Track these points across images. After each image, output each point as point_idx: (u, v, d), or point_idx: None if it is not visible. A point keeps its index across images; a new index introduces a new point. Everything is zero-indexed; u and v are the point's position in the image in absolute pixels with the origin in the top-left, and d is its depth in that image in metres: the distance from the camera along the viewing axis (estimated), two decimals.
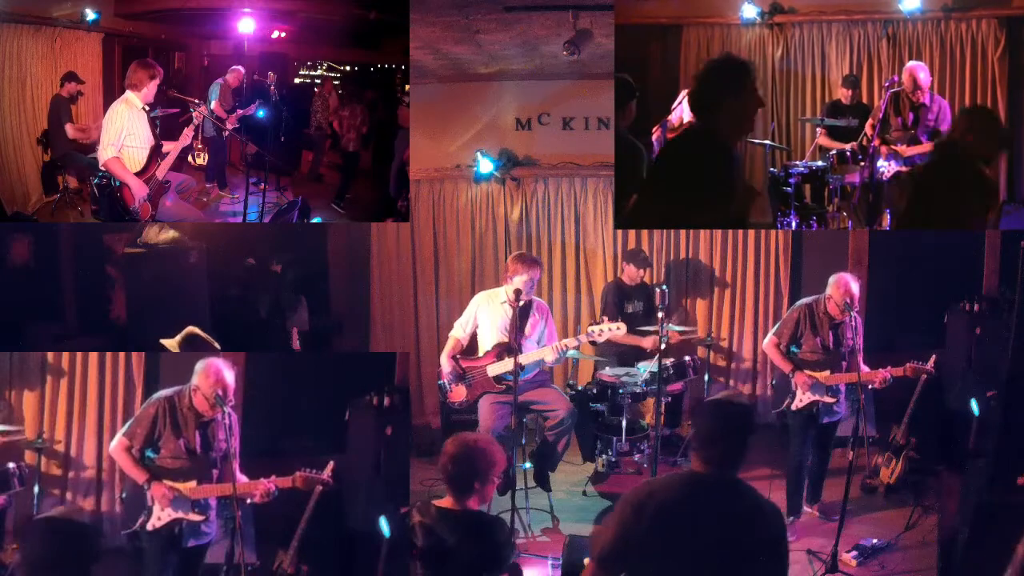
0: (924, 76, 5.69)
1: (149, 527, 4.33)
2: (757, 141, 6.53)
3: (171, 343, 4.94)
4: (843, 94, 6.68)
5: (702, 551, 2.95)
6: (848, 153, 6.13)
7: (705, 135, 3.63)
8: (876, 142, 5.72)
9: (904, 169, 5.70)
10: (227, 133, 6.80)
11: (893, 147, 5.70)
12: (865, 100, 6.58)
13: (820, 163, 6.27)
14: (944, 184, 4.37)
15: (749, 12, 6.76)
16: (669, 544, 2.98)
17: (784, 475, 5.69)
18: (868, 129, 6.01)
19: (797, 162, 6.43)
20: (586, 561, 3.24)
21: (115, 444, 4.41)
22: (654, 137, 6.20)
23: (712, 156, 3.59)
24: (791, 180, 6.19)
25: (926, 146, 5.69)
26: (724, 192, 3.67)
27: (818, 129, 6.55)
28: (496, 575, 3.46)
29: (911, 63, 5.87)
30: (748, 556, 2.96)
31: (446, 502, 3.50)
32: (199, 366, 4.37)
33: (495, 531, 3.52)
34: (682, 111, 6.22)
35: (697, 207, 3.70)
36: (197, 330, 4.93)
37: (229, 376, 4.35)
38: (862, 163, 5.96)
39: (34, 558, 3.57)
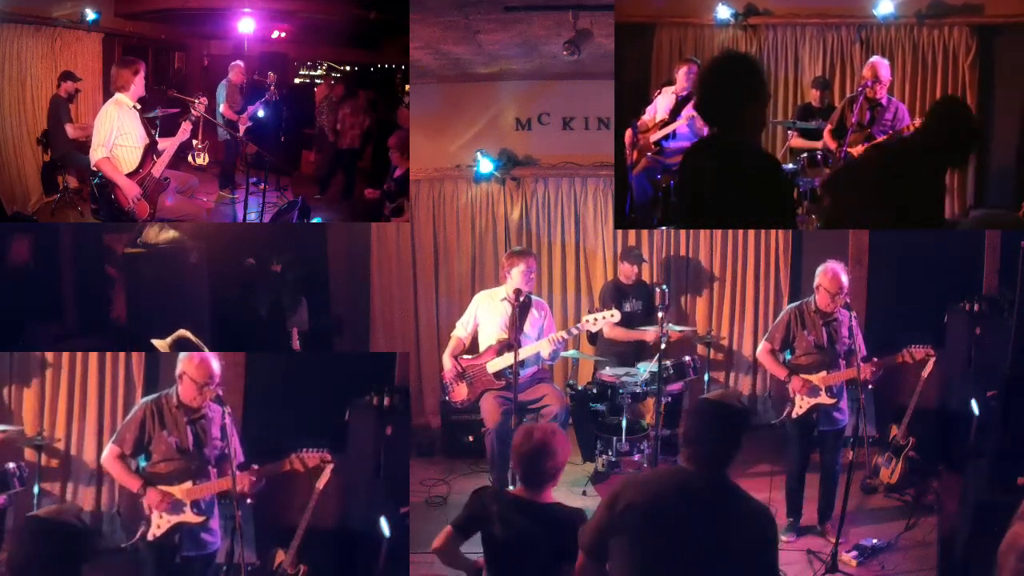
0: (885, 72, 5.67)
1: (149, 537, 4.27)
2: None
3: (162, 344, 4.93)
4: (814, 96, 6.68)
5: (685, 547, 2.94)
6: (819, 156, 6.12)
7: (731, 143, 3.36)
8: (837, 145, 5.69)
9: None
10: (240, 136, 6.80)
11: (848, 148, 5.67)
12: (836, 103, 6.58)
13: (791, 165, 6.25)
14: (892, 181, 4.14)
15: (723, 13, 6.74)
16: (647, 537, 2.98)
17: (784, 473, 5.69)
18: (826, 136, 6.00)
19: None
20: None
21: (106, 453, 4.35)
22: (627, 139, 6.19)
23: (748, 163, 3.35)
24: None
25: (880, 140, 5.66)
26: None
27: (789, 131, 6.54)
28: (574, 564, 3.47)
29: (875, 57, 5.85)
30: (734, 556, 2.95)
31: (520, 492, 3.52)
32: (183, 355, 4.33)
33: (580, 522, 3.49)
34: (655, 110, 6.21)
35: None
36: (188, 333, 4.92)
37: (216, 364, 4.30)
38: (832, 165, 5.95)
39: (21, 558, 3.51)
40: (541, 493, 3.50)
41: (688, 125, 6.07)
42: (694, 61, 6.20)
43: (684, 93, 6.10)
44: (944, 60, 6.66)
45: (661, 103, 6.19)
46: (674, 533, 2.95)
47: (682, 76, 6.11)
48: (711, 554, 2.93)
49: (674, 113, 6.13)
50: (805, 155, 6.17)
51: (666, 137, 6.10)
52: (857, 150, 5.64)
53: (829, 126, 5.99)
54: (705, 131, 5.99)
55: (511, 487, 5.41)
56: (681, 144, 6.08)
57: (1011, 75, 6.55)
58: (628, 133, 6.11)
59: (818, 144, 6.19)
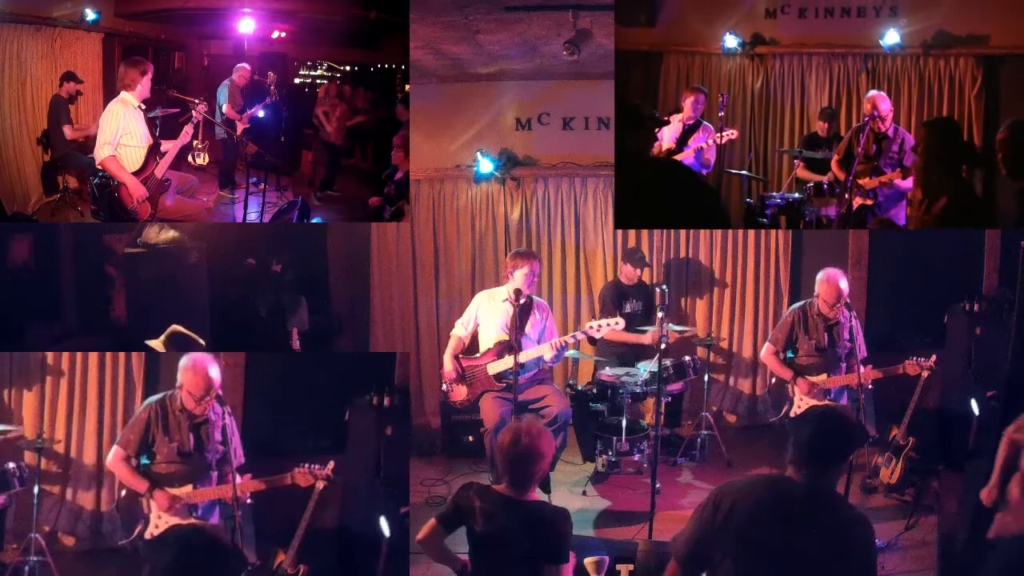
0: (884, 105, 5.68)
1: (147, 535, 4.27)
2: (734, 171, 6.54)
3: (156, 343, 4.93)
4: (820, 127, 6.69)
5: (783, 557, 2.87)
6: (825, 186, 6.12)
7: None
8: (847, 175, 5.69)
9: (868, 201, 5.68)
10: (239, 136, 6.80)
11: (858, 180, 5.68)
12: (843, 133, 6.58)
13: (797, 195, 6.24)
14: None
15: (731, 42, 6.78)
16: (747, 546, 2.91)
17: None
18: (834, 166, 6.00)
19: (774, 193, 6.43)
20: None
21: (112, 456, 4.35)
22: None
23: None
24: (767, 211, 6.18)
25: (892, 175, 5.68)
26: None
27: (795, 161, 6.54)
28: (558, 564, 3.46)
29: (873, 92, 5.86)
30: (835, 566, 2.89)
31: (504, 490, 3.52)
32: (182, 362, 4.30)
33: (561, 522, 3.53)
34: (661, 138, 6.23)
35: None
36: (181, 328, 4.91)
37: (214, 370, 4.27)
38: (839, 194, 5.95)
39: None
40: (526, 493, 3.51)
41: (695, 156, 6.10)
42: (701, 90, 6.23)
43: (691, 122, 6.17)
44: (950, 90, 6.70)
45: (668, 131, 6.22)
46: (768, 542, 2.89)
47: (688, 105, 6.17)
48: (812, 564, 2.87)
49: (681, 141, 6.17)
50: (811, 185, 6.16)
51: None
52: (865, 181, 5.64)
53: (836, 156, 6.00)
54: (711, 163, 6.08)
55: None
56: None
57: (1016, 105, 6.56)
58: None
59: (823, 177, 6.19)
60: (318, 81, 8.62)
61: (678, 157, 6.11)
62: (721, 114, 6.09)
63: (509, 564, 3.44)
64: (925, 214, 4.44)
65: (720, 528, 2.94)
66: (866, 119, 5.69)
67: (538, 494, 3.65)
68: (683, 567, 3.05)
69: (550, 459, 3.56)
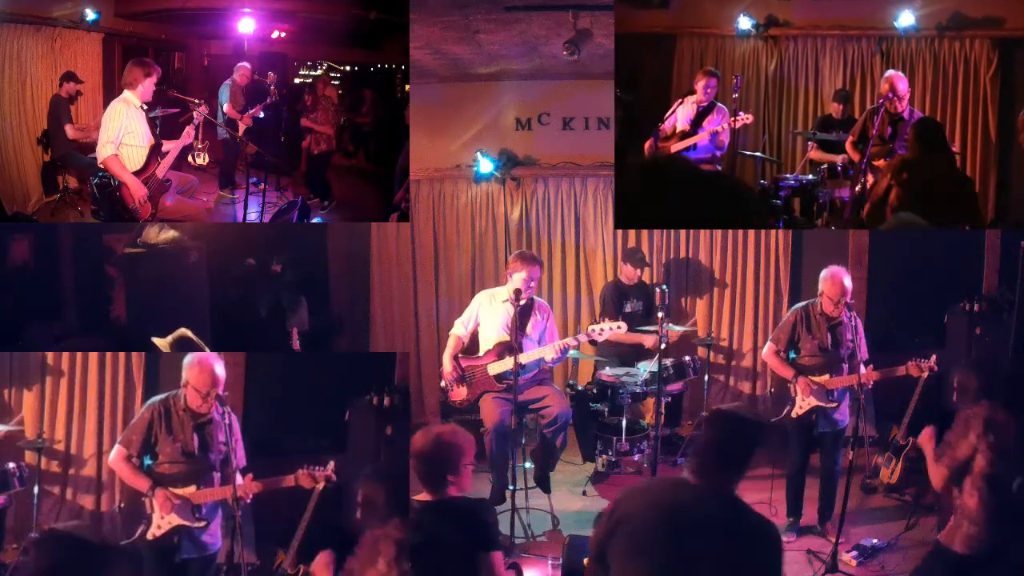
0: (902, 86, 5.65)
1: (149, 536, 4.25)
2: (748, 153, 6.52)
3: (162, 343, 4.92)
4: (834, 109, 6.67)
5: (680, 562, 2.86)
6: (839, 167, 6.10)
7: None
8: (862, 157, 5.67)
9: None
10: (240, 136, 6.80)
11: (872, 162, 5.66)
12: (857, 115, 6.55)
13: (811, 177, 6.22)
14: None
15: (744, 24, 6.76)
16: (636, 547, 2.92)
17: (784, 474, 5.69)
18: (848, 147, 5.99)
19: (787, 175, 6.40)
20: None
21: (114, 455, 4.33)
22: (646, 146, 6.22)
23: None
24: (781, 193, 6.16)
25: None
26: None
27: (809, 143, 6.53)
28: (489, 552, 3.44)
29: (891, 72, 5.83)
30: (733, 572, 2.86)
31: (424, 496, 3.50)
32: (187, 361, 4.29)
33: (481, 512, 3.52)
34: (675, 119, 6.24)
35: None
36: (188, 332, 4.90)
37: (220, 369, 4.26)
38: (853, 176, 5.94)
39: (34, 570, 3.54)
40: (443, 493, 3.47)
41: (710, 139, 6.10)
42: (714, 73, 6.22)
43: (704, 104, 6.15)
44: (965, 73, 6.65)
45: (682, 113, 6.21)
46: (668, 547, 2.88)
47: (700, 88, 6.15)
48: (708, 570, 2.85)
49: (695, 124, 6.17)
50: (825, 167, 6.15)
51: (687, 149, 6.13)
52: (879, 163, 5.62)
53: (851, 138, 5.96)
54: (725, 146, 6.08)
55: (511, 487, 5.42)
56: (701, 156, 6.12)
57: None
58: (650, 141, 6.13)
59: (837, 158, 6.18)
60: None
61: (693, 139, 6.11)
62: (735, 96, 6.07)
63: (446, 565, 3.41)
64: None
65: (614, 528, 2.97)
66: (881, 100, 5.66)
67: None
68: (593, 565, 3.09)
69: (465, 461, 3.49)
